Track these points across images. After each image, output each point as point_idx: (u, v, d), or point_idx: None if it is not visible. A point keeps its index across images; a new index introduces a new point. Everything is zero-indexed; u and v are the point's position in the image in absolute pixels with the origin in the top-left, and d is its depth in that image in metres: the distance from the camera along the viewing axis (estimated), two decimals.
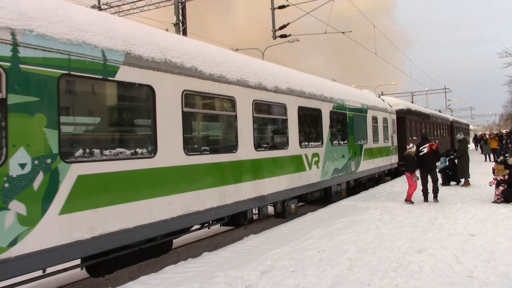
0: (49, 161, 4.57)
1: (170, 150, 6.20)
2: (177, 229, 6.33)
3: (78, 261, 5.27)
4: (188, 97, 6.71)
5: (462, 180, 14.85)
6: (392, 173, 19.18)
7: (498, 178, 10.81)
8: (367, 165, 14.65)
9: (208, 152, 7.09)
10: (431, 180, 11.51)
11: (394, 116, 18.99)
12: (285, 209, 9.58)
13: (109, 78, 5.36)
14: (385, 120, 17.21)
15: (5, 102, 4.23)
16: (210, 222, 7.76)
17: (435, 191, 11.42)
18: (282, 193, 9.20)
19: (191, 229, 7.16)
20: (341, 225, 8.59)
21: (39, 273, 4.73)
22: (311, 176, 10.49)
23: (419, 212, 9.82)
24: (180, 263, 6.25)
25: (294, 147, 9.74)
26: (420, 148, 11.61)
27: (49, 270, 4.87)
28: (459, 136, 15.33)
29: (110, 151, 5.29)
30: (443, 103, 68.73)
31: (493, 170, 11.55)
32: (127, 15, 20.04)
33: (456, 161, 15.10)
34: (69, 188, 4.74)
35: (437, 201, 11.30)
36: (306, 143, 10.48)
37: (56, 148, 4.66)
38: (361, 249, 6.67)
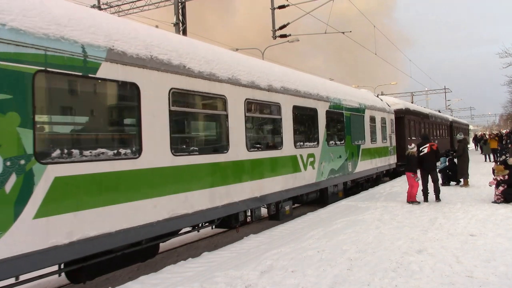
0: (22, 162, 4.32)
1: (156, 151, 5.95)
2: (163, 232, 6.07)
3: (56, 267, 5.02)
4: (176, 96, 6.46)
5: (462, 180, 14.73)
6: (390, 174, 18.93)
7: (498, 178, 10.76)
8: (364, 166, 14.40)
9: (197, 153, 6.83)
10: (431, 180, 11.47)
11: (393, 116, 18.74)
12: (279, 210, 9.33)
13: (90, 75, 5.11)
14: (383, 120, 16.96)
15: None
16: (201, 224, 7.53)
17: (437, 191, 11.39)
18: (276, 195, 8.94)
19: (180, 233, 6.91)
20: (341, 225, 8.56)
21: (11, 280, 4.49)
22: (306, 177, 10.24)
23: (419, 212, 9.78)
24: (180, 263, 6.23)
25: (288, 148, 9.49)
26: (421, 148, 11.58)
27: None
28: (459, 136, 15.28)
29: (90, 152, 5.04)
30: (443, 103, 68.59)
31: (493, 170, 11.50)
32: (127, 15, 20.00)
33: (456, 161, 15.01)
34: (44, 190, 4.49)
35: (440, 200, 11.29)
36: (301, 143, 10.23)
37: (31, 148, 4.41)
38: (361, 249, 6.64)
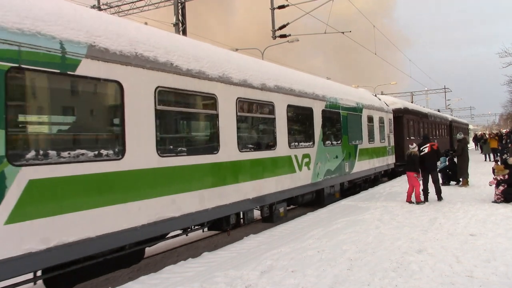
0: None
1: (140, 152, 5.70)
2: (148, 237, 5.83)
3: (31, 275, 4.77)
4: (163, 94, 6.22)
5: (461, 180, 14.64)
6: (389, 174, 18.68)
7: (498, 178, 10.74)
8: (362, 166, 14.16)
9: (185, 154, 6.58)
10: (432, 180, 11.46)
11: (391, 116, 18.49)
12: (273, 213, 9.08)
13: (69, 72, 4.87)
14: (381, 119, 16.72)
15: None
16: (192, 227, 7.29)
17: (438, 191, 11.40)
18: (270, 196, 8.69)
19: (167, 237, 6.66)
20: (341, 225, 8.52)
21: None
22: (302, 178, 10.00)
23: (419, 212, 9.75)
24: (180, 263, 6.21)
25: (282, 148, 9.24)
26: (421, 148, 11.55)
27: None
28: (459, 135, 15.25)
29: (69, 153, 4.80)
30: (443, 103, 68.40)
31: (493, 170, 11.49)
32: (127, 15, 19.97)
33: (456, 160, 14.91)
34: (18, 194, 4.24)
35: (442, 198, 11.32)
36: (296, 143, 9.99)
37: (3, 149, 4.16)
38: (361, 249, 6.62)
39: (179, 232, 7.14)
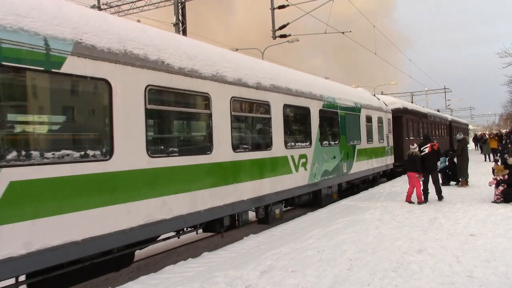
0: None
1: (129, 152, 5.53)
2: (138, 240, 5.66)
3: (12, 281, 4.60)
4: (153, 93, 6.05)
5: (460, 180, 14.59)
6: (388, 174, 18.51)
7: (498, 178, 10.72)
8: (360, 167, 13.98)
9: (176, 154, 6.41)
10: (432, 181, 11.46)
11: (390, 116, 18.32)
12: (268, 214, 8.91)
13: (53, 70, 4.70)
14: (380, 119, 16.54)
15: None
16: (185, 229, 7.12)
17: (438, 191, 11.40)
18: (265, 198, 8.52)
19: (158, 239, 6.49)
20: (341, 225, 8.51)
21: None
22: (298, 179, 9.82)
23: (419, 212, 9.73)
24: (180, 263, 6.20)
25: (278, 148, 9.07)
26: (422, 148, 11.52)
27: None
28: (459, 136, 15.22)
29: (53, 154, 4.63)
30: (443, 103, 68.26)
31: (493, 170, 11.46)
32: (127, 15, 19.94)
33: (456, 160, 14.85)
34: None
35: (442, 197, 11.34)
36: (293, 143, 9.82)
37: None
38: (361, 249, 6.62)
39: (172, 234, 6.97)
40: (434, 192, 11.46)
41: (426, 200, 11.18)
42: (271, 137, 8.87)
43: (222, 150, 7.33)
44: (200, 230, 7.58)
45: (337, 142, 12.20)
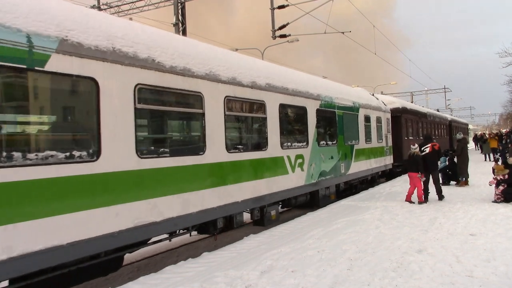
0: None
1: (118, 153, 5.37)
2: (127, 243, 5.49)
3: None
4: (143, 92, 5.88)
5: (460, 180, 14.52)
6: (386, 175, 18.34)
7: (498, 178, 10.68)
8: (358, 167, 13.82)
9: (167, 155, 6.24)
10: (432, 180, 11.45)
11: (389, 115, 18.15)
12: (264, 215, 8.74)
13: (36, 68, 4.54)
14: (378, 119, 16.37)
15: None
16: (178, 231, 6.96)
17: (439, 191, 11.38)
18: (260, 199, 8.36)
19: (149, 242, 6.32)
20: (341, 225, 8.49)
21: None
22: (294, 180, 9.66)
23: (419, 212, 9.71)
24: (180, 263, 6.20)
25: (274, 148, 8.90)
26: (423, 148, 11.49)
27: None
28: (459, 135, 15.16)
29: (36, 155, 4.46)
30: (442, 102, 68.15)
31: (493, 169, 11.43)
32: (127, 15, 19.80)
33: (456, 160, 14.78)
34: None
35: (443, 197, 11.32)
36: (289, 143, 9.65)
37: None
38: (361, 249, 6.60)
39: (166, 235, 6.82)
40: (434, 192, 11.46)
41: (426, 200, 11.14)
42: (267, 137, 8.70)
43: (216, 151, 7.17)
44: (195, 232, 7.43)
45: (334, 142, 12.03)
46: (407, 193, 11.33)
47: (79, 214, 4.82)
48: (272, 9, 18.75)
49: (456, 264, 5.71)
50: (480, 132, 56.12)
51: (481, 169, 19.47)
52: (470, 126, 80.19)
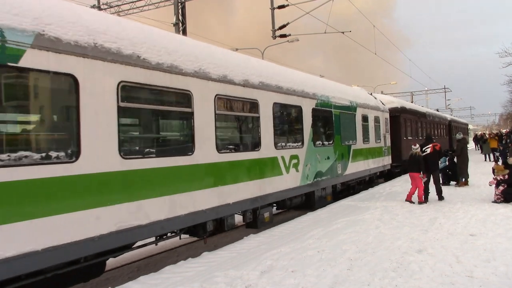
0: None
1: (99, 153, 5.11)
2: (110, 248, 5.24)
3: None
4: (127, 90, 5.63)
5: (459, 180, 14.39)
6: (385, 175, 18.09)
7: (498, 178, 10.65)
8: (356, 167, 13.56)
9: (153, 155, 5.99)
10: (433, 181, 11.42)
11: (387, 115, 17.90)
12: (257, 218, 8.49)
13: (9, 63, 4.29)
14: (376, 119, 16.12)
15: None
16: (167, 234, 6.71)
17: (439, 191, 11.33)
18: (253, 201, 8.10)
19: (133, 246, 6.07)
20: (341, 225, 8.47)
21: None
22: (289, 181, 9.40)
23: (419, 212, 9.69)
24: (180, 263, 6.19)
25: (267, 148, 8.65)
26: (424, 149, 11.45)
27: None
28: (458, 135, 15.04)
29: (8, 156, 4.21)
30: (443, 102, 67.95)
31: (493, 170, 11.36)
32: (127, 15, 19.72)
33: (456, 160, 14.65)
34: None
35: (443, 197, 11.27)
36: (283, 143, 9.40)
37: None
38: (361, 249, 6.59)
39: (153, 239, 6.57)
40: (434, 192, 11.39)
41: (426, 200, 11.06)
42: (260, 137, 8.45)
43: (206, 151, 6.92)
44: (186, 235, 7.18)
45: (331, 142, 11.78)
46: (408, 193, 11.25)
47: (55, 219, 4.56)
48: (272, 9, 18.66)
49: (456, 264, 5.68)
50: (480, 132, 55.90)
51: (481, 169, 19.39)
52: (470, 126, 79.95)
